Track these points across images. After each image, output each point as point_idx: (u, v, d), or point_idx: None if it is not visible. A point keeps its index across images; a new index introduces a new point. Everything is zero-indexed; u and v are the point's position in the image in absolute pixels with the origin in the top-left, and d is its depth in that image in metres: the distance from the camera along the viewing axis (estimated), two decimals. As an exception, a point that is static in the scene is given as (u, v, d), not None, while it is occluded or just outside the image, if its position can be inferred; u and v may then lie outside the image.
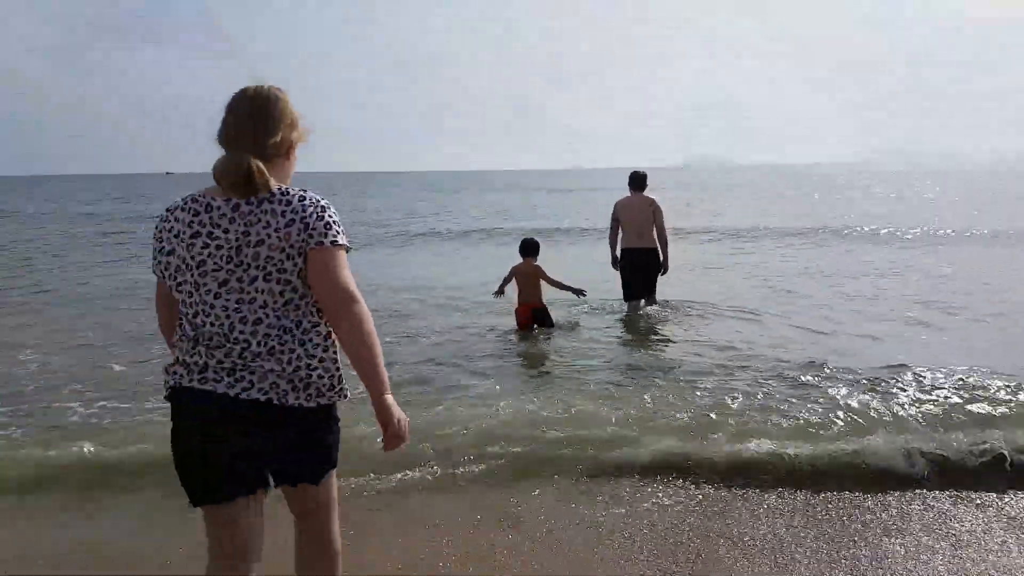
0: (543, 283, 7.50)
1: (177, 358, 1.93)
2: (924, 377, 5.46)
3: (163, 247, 1.93)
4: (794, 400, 5.05)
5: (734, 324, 7.97)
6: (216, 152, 1.95)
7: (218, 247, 1.85)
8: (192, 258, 1.87)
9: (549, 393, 5.35)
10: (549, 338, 7.32)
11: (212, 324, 1.86)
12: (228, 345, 1.84)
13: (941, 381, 5.34)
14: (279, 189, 1.89)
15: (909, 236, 17.30)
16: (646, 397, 5.14)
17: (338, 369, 1.96)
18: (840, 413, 4.69)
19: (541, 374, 6.23)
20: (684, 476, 3.95)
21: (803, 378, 5.55)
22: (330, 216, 1.89)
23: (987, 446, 4.08)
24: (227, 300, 1.86)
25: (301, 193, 1.90)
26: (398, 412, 1.90)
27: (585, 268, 10.72)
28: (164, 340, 2.11)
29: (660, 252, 8.28)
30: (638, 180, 8.37)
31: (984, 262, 12.92)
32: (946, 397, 5.00)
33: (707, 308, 8.67)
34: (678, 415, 4.73)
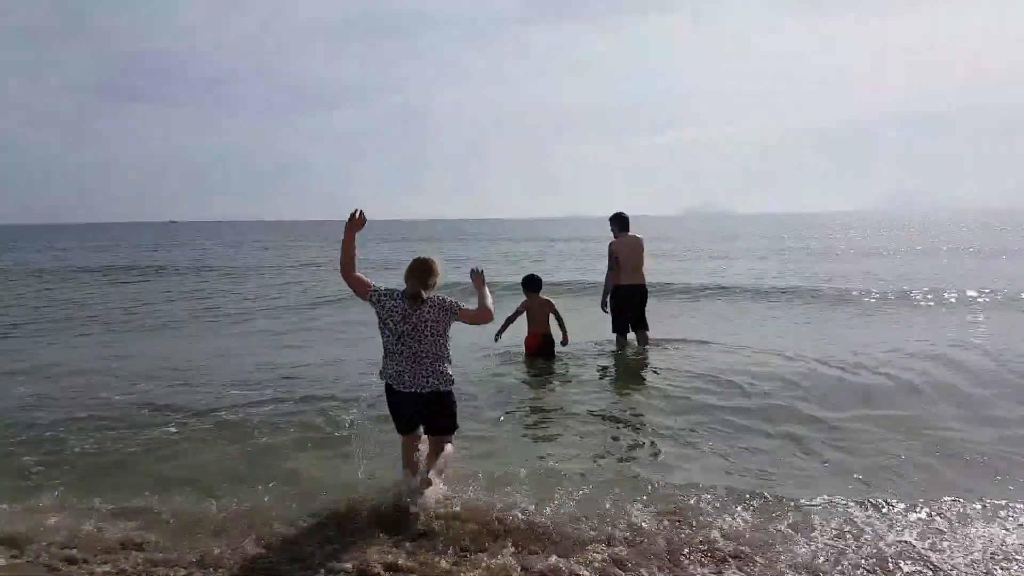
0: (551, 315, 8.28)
1: (386, 371, 4.27)
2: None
3: (383, 305, 4.23)
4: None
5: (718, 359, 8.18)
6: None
7: (411, 325, 4.18)
8: (396, 325, 4.21)
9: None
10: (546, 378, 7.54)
11: (407, 356, 4.20)
12: (415, 365, 4.19)
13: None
14: (429, 298, 4.20)
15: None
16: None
17: (451, 372, 4.33)
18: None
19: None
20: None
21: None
22: (451, 300, 4.26)
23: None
24: (415, 346, 4.19)
25: (436, 297, 4.23)
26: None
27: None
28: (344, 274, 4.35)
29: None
30: (627, 221, 8.98)
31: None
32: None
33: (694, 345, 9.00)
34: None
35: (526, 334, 8.28)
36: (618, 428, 5.81)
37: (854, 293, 15.02)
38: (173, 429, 5.86)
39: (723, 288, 16.68)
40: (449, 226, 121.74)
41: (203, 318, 13.43)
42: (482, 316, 4.31)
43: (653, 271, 10.27)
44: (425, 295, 4.19)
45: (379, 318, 4.28)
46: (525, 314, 8.30)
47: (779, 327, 11.47)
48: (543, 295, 8.41)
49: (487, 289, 4.46)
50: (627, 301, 8.85)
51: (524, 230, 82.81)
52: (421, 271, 4.22)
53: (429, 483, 4.08)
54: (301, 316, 13.48)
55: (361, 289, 4.27)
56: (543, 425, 5.98)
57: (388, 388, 4.32)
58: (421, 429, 4.41)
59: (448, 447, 4.40)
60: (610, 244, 8.94)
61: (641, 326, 8.97)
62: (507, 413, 6.20)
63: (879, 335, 10.08)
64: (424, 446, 4.41)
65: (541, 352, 8.17)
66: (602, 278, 9.20)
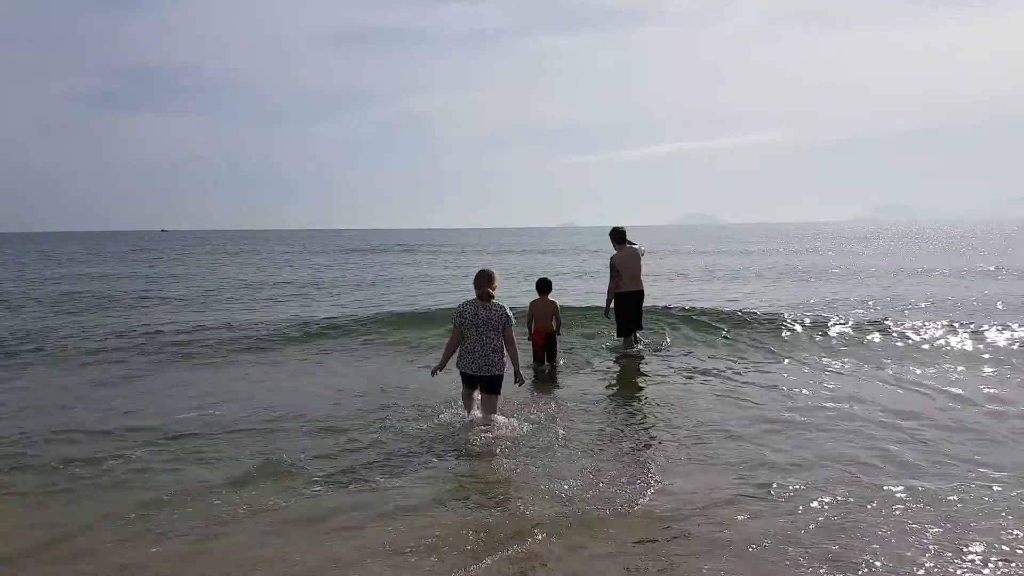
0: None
1: (462, 360, 6.48)
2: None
3: (463, 315, 6.40)
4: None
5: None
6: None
7: (482, 321, 6.37)
8: (473, 323, 6.38)
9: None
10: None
11: (479, 346, 6.40)
12: (483, 352, 6.38)
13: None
14: (495, 302, 6.43)
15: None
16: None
17: (505, 360, 6.47)
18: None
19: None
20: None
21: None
22: (510, 311, 6.47)
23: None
24: (484, 339, 6.37)
25: (500, 304, 6.45)
26: (522, 377, 6.58)
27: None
28: (442, 356, 6.61)
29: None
30: (623, 234, 10.15)
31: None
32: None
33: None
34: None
35: (532, 331, 9.28)
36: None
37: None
38: None
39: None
40: (447, 235, 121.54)
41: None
42: (512, 351, 6.43)
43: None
44: (492, 293, 6.32)
45: (461, 324, 6.35)
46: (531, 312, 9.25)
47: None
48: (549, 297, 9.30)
49: (517, 359, 6.44)
50: (628, 305, 9.99)
51: (528, 240, 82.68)
52: (485, 277, 6.43)
53: (480, 417, 6.36)
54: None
55: (458, 338, 6.40)
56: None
57: (462, 373, 6.49)
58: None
59: (495, 399, 6.47)
60: (611, 258, 10.10)
61: (638, 324, 10.19)
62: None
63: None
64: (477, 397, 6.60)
65: (546, 346, 9.18)
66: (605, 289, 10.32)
